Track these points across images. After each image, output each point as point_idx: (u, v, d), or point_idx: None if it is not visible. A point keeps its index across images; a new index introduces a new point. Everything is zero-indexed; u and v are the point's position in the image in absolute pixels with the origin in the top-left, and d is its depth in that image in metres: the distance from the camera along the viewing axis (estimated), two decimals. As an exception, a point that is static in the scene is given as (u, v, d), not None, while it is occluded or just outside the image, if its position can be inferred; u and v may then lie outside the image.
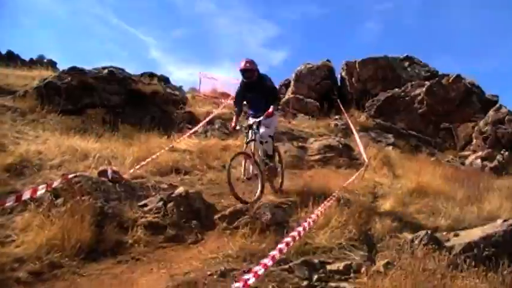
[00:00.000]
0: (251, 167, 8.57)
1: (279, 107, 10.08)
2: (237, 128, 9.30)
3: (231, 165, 8.18)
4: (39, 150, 9.13)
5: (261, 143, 9.01)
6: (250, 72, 8.97)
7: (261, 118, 8.89)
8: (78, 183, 7.33)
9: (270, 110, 8.76)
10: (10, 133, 10.51)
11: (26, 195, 6.41)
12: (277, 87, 27.78)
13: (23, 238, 6.04)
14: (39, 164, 8.56)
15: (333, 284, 5.79)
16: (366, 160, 12.78)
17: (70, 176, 7.41)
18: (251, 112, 9.43)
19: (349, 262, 6.30)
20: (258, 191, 8.41)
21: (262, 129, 8.94)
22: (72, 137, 10.80)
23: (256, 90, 9.11)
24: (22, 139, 10.26)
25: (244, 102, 9.67)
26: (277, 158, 9.79)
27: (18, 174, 8.06)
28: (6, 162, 8.19)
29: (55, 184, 6.95)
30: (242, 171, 8.52)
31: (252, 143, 8.81)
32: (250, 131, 8.95)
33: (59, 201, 6.82)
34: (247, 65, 8.92)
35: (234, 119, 9.44)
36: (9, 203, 6.26)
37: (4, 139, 9.57)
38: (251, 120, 9.18)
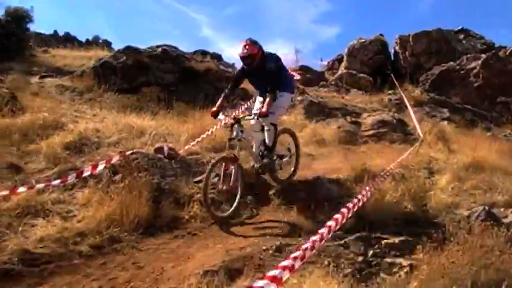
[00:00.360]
0: (233, 174, 7.10)
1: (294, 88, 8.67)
2: (220, 117, 7.82)
3: (209, 176, 6.88)
4: (97, 128, 9.31)
5: (262, 130, 7.80)
6: (250, 59, 7.44)
7: (252, 117, 7.70)
8: (135, 160, 7.50)
9: (264, 109, 7.31)
10: (69, 112, 10.80)
11: (86, 172, 6.62)
12: (329, 62, 27.96)
13: (84, 213, 6.25)
14: (98, 142, 8.74)
15: (388, 260, 5.75)
16: (421, 135, 12.57)
17: (127, 153, 7.58)
18: (257, 92, 8.43)
19: (404, 238, 6.25)
20: (235, 202, 7.09)
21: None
22: (128, 115, 10.99)
23: (258, 75, 7.75)
24: (80, 118, 10.50)
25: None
26: (292, 144, 8.65)
27: (78, 152, 8.25)
28: (66, 141, 8.40)
29: (113, 161, 7.13)
30: (220, 179, 7.09)
31: (238, 144, 7.29)
32: (236, 126, 7.37)
33: (117, 177, 7.00)
34: (245, 50, 7.38)
35: (219, 101, 7.92)
36: (71, 179, 6.47)
37: (63, 118, 9.80)
38: (258, 101, 8.18)
